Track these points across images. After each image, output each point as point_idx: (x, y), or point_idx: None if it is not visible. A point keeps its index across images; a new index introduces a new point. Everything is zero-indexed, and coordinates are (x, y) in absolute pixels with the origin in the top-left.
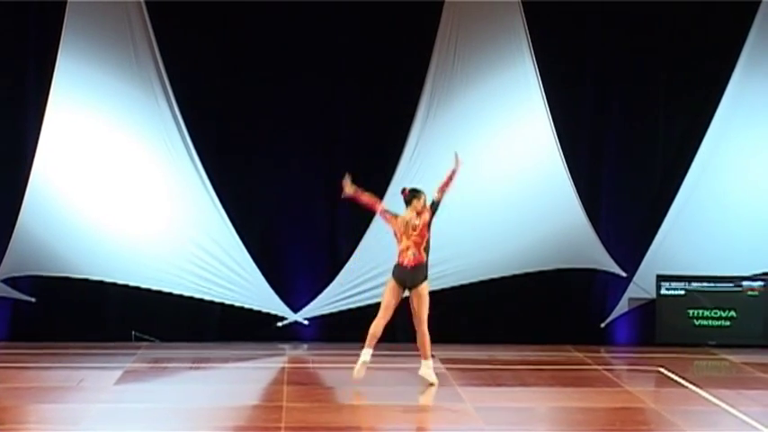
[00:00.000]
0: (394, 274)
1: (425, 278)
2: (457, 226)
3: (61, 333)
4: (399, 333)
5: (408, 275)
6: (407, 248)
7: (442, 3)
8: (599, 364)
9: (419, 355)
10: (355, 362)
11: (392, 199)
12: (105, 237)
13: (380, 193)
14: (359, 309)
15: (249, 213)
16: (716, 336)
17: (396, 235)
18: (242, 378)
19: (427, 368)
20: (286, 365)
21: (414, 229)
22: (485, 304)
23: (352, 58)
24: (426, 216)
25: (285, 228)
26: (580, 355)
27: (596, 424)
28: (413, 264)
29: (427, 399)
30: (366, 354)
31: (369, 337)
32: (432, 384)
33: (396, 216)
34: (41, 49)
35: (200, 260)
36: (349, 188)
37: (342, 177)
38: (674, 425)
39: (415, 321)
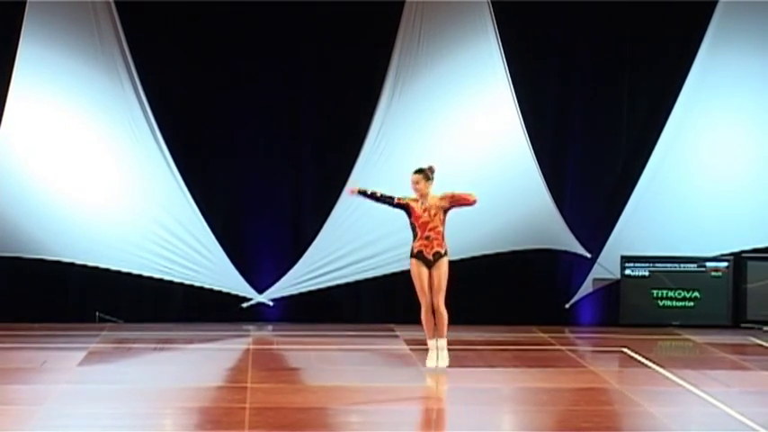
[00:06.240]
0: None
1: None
2: None
3: (24, 314)
4: (364, 313)
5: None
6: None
7: None
8: (563, 345)
9: (384, 336)
10: (320, 342)
11: (359, 177)
12: (69, 217)
13: (345, 174)
14: (324, 289)
15: (214, 194)
16: (679, 316)
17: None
18: (206, 359)
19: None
20: (251, 346)
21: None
22: (449, 285)
23: (317, 37)
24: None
25: (250, 208)
26: (544, 335)
27: (560, 404)
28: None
29: (392, 379)
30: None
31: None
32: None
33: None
34: (3, 32)
35: (165, 241)
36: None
37: (306, 158)
38: (637, 404)
39: None
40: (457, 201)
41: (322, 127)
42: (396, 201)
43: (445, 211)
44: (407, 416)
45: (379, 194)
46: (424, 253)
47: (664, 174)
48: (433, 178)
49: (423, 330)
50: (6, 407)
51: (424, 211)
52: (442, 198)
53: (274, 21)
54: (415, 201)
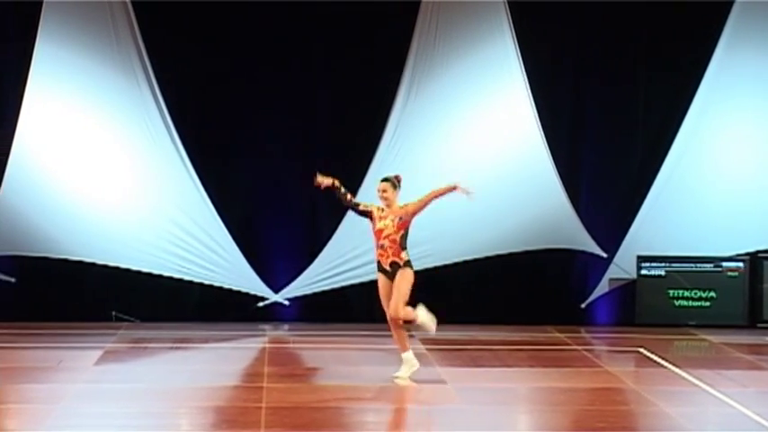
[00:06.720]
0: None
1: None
2: (437, 206)
3: (41, 313)
4: (379, 313)
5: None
6: None
7: None
8: (579, 345)
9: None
10: (336, 341)
11: (375, 178)
12: (86, 217)
13: (360, 175)
14: (339, 289)
15: (230, 194)
16: (696, 316)
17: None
18: (222, 358)
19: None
20: (267, 346)
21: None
22: (465, 285)
23: (334, 37)
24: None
25: (266, 208)
26: (561, 335)
27: (576, 404)
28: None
29: (408, 379)
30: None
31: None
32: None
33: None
34: (21, 31)
35: (182, 241)
36: (322, 179)
37: (322, 159)
38: (653, 404)
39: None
40: (414, 210)
41: (338, 127)
42: (361, 207)
43: (403, 220)
44: (423, 416)
45: (347, 197)
46: (382, 263)
47: (680, 173)
48: (399, 187)
49: (438, 330)
50: (23, 405)
51: (381, 219)
52: (402, 208)
53: (290, 21)
54: (381, 210)
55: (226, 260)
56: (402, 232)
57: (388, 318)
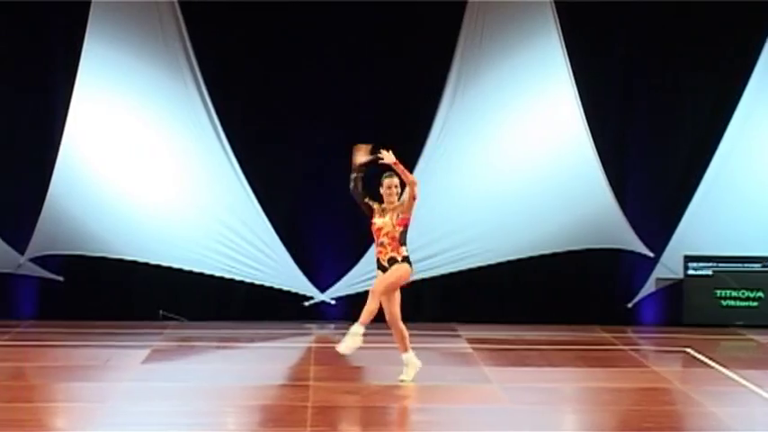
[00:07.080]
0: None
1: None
2: (484, 205)
3: (89, 312)
4: (426, 312)
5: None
6: None
7: None
8: (626, 345)
9: (445, 335)
10: (382, 342)
11: (421, 177)
12: (134, 217)
13: (408, 171)
14: None
15: (277, 194)
16: (743, 316)
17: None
18: (269, 357)
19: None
20: (313, 345)
21: None
22: (512, 284)
23: (380, 37)
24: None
25: (312, 208)
26: (607, 335)
27: (623, 404)
28: None
29: (454, 378)
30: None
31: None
32: None
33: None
34: (69, 31)
35: (229, 240)
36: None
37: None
38: (700, 405)
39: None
40: (409, 204)
41: (384, 126)
42: (366, 200)
43: (402, 217)
44: (469, 415)
45: (360, 183)
46: (381, 260)
47: (727, 172)
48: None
49: (485, 330)
50: (71, 404)
51: (380, 217)
52: (400, 204)
53: (337, 20)
54: (381, 208)
55: (272, 260)
56: (401, 229)
57: (387, 319)
